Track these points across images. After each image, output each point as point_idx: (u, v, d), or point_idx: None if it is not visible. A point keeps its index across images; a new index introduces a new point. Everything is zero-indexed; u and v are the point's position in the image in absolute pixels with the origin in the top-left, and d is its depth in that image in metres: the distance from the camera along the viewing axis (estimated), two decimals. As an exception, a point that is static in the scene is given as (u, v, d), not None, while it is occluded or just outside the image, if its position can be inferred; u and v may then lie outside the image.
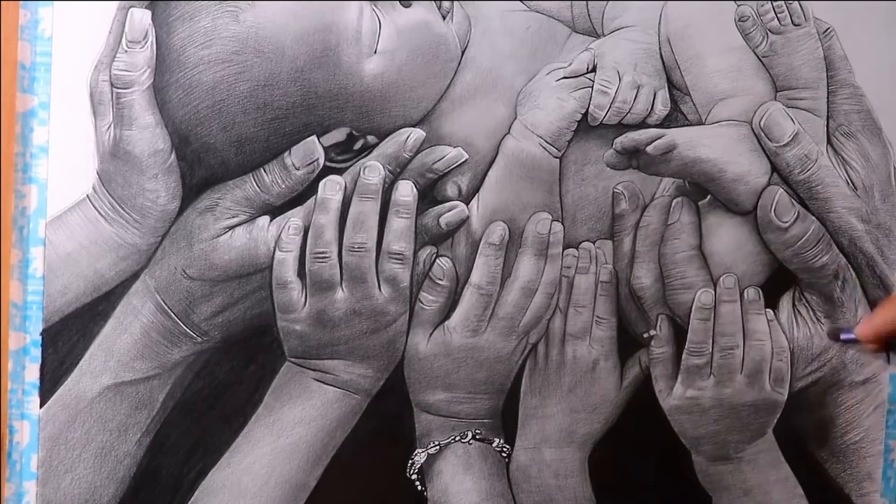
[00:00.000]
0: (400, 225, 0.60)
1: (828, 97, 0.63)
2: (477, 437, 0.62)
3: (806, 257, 0.62)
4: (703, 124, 0.62)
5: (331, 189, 0.60)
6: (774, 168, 0.62)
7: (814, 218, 0.62)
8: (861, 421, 0.63)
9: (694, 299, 0.62)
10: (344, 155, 0.61)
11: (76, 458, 0.60)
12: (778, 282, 0.63)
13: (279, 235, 0.60)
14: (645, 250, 0.62)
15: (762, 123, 0.62)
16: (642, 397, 0.63)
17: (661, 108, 0.62)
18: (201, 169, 0.60)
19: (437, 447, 0.62)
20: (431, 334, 0.61)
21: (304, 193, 0.60)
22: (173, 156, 0.59)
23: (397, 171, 0.61)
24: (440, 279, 0.61)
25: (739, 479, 0.63)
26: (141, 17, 0.58)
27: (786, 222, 0.62)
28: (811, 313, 0.63)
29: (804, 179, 0.62)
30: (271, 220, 0.60)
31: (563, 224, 0.62)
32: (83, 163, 0.59)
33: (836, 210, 0.62)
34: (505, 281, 0.62)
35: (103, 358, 0.60)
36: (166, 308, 0.60)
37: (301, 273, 0.60)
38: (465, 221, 0.61)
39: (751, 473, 0.63)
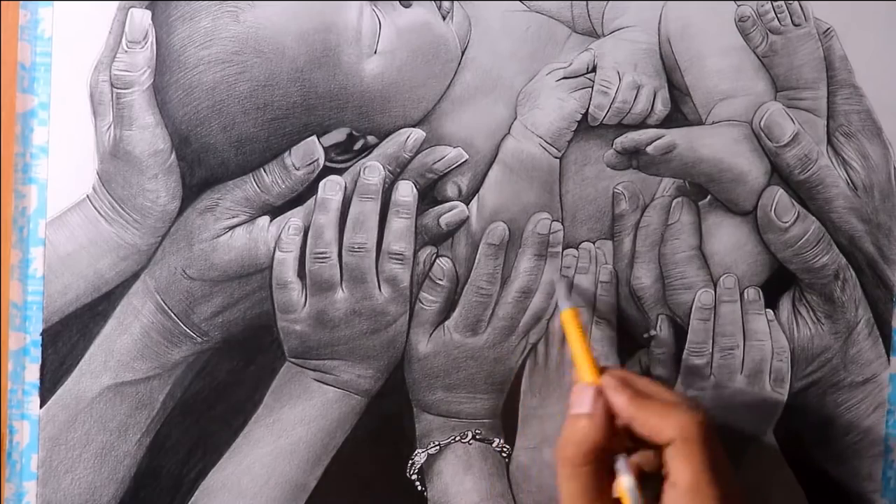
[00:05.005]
0: (400, 225, 0.60)
1: (828, 97, 0.63)
2: (477, 437, 0.62)
3: (806, 257, 0.62)
4: (704, 124, 0.62)
5: (331, 189, 0.60)
6: (774, 168, 0.62)
7: (814, 218, 0.62)
8: (861, 421, 0.63)
9: (694, 299, 0.62)
10: (344, 155, 0.61)
11: (76, 459, 0.60)
12: (778, 282, 0.63)
13: (279, 236, 0.60)
14: (645, 250, 0.62)
15: (762, 123, 0.62)
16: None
17: (662, 109, 0.62)
18: (201, 169, 0.60)
19: (437, 447, 0.62)
20: (431, 334, 0.61)
21: (304, 194, 0.60)
22: (173, 156, 0.59)
23: (397, 172, 0.61)
24: (440, 279, 0.61)
25: (739, 479, 0.63)
26: (141, 18, 0.58)
27: (786, 222, 0.62)
28: (811, 313, 0.63)
29: (804, 179, 0.62)
30: (271, 221, 0.60)
31: (562, 224, 0.62)
32: (83, 163, 0.59)
33: (837, 210, 0.62)
34: (505, 281, 0.62)
35: (103, 358, 0.60)
36: (166, 308, 0.60)
37: (301, 273, 0.60)
38: (465, 222, 0.61)
39: (751, 474, 0.63)
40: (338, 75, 0.60)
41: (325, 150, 0.60)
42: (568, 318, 0.57)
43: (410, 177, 0.61)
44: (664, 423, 0.51)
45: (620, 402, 0.52)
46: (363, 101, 0.60)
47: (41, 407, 0.59)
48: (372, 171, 0.60)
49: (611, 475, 0.52)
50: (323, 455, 0.61)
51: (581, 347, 0.55)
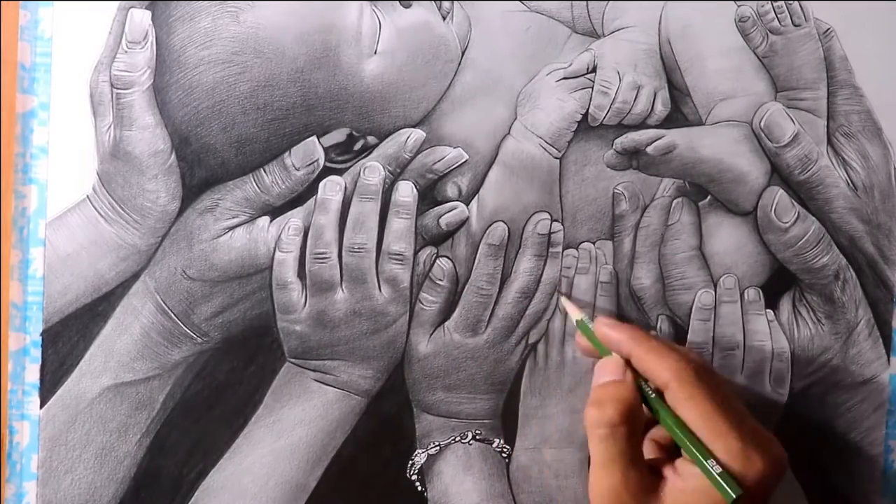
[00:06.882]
0: (400, 225, 0.60)
1: (828, 98, 0.63)
2: (477, 437, 0.62)
3: (806, 258, 0.62)
4: (704, 125, 0.62)
5: (331, 189, 0.60)
6: (775, 168, 0.62)
7: (814, 218, 0.62)
8: (861, 421, 0.63)
9: (694, 300, 0.62)
10: (344, 155, 0.61)
11: (76, 459, 0.60)
12: (778, 282, 0.63)
13: (279, 236, 0.60)
14: (645, 251, 0.62)
15: (762, 124, 0.62)
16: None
17: (662, 109, 0.62)
18: (201, 169, 0.60)
19: (437, 448, 0.62)
20: (431, 335, 0.61)
21: (304, 194, 0.60)
22: (173, 156, 0.59)
23: (397, 172, 0.61)
24: (440, 280, 0.61)
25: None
26: (141, 18, 0.58)
27: (786, 223, 0.62)
28: (812, 314, 0.63)
29: (804, 180, 0.62)
30: (271, 221, 0.60)
31: (563, 224, 0.62)
32: (83, 163, 0.59)
33: (837, 210, 0.62)
34: (505, 281, 0.62)
35: (103, 359, 0.60)
36: (166, 308, 0.60)
37: (301, 274, 0.60)
38: (465, 222, 0.61)
39: (751, 474, 0.63)
40: (338, 76, 0.60)
41: (325, 150, 0.60)
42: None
43: (410, 177, 0.61)
44: (660, 363, 0.52)
45: (619, 336, 0.54)
46: (363, 102, 0.60)
47: (41, 407, 0.59)
48: (372, 171, 0.60)
49: (640, 444, 0.52)
50: (323, 455, 0.61)
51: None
